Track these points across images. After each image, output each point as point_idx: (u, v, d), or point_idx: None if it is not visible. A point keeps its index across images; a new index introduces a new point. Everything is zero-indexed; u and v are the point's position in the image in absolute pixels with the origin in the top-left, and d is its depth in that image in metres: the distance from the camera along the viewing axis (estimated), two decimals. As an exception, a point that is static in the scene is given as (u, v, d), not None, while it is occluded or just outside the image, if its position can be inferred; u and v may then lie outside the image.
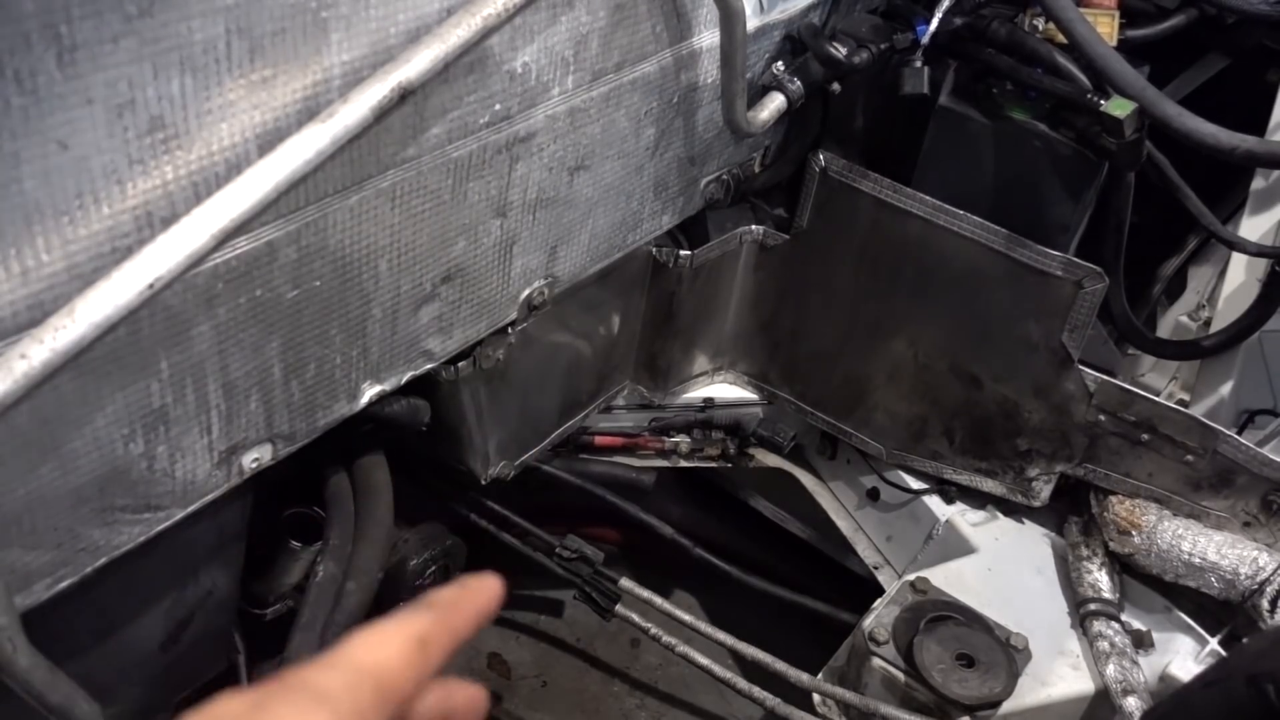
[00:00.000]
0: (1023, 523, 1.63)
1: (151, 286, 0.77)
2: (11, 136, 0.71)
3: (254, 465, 1.06)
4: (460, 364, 1.28)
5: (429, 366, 1.22)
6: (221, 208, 0.80)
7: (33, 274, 0.76)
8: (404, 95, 0.88)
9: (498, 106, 1.07)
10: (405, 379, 1.20)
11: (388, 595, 1.42)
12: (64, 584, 0.92)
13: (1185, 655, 1.42)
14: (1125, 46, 1.43)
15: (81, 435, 0.86)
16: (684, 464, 1.79)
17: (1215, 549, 1.40)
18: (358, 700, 0.41)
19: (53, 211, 0.75)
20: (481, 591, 0.49)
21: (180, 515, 1.00)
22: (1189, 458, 1.43)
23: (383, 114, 0.87)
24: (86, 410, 0.86)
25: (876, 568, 1.71)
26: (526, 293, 1.29)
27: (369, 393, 1.15)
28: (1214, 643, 1.43)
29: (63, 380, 0.79)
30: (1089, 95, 1.31)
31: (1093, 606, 1.45)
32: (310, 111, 0.87)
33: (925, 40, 1.39)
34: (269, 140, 0.85)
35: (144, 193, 0.80)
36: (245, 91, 0.83)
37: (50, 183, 0.74)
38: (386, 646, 0.44)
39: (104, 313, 0.75)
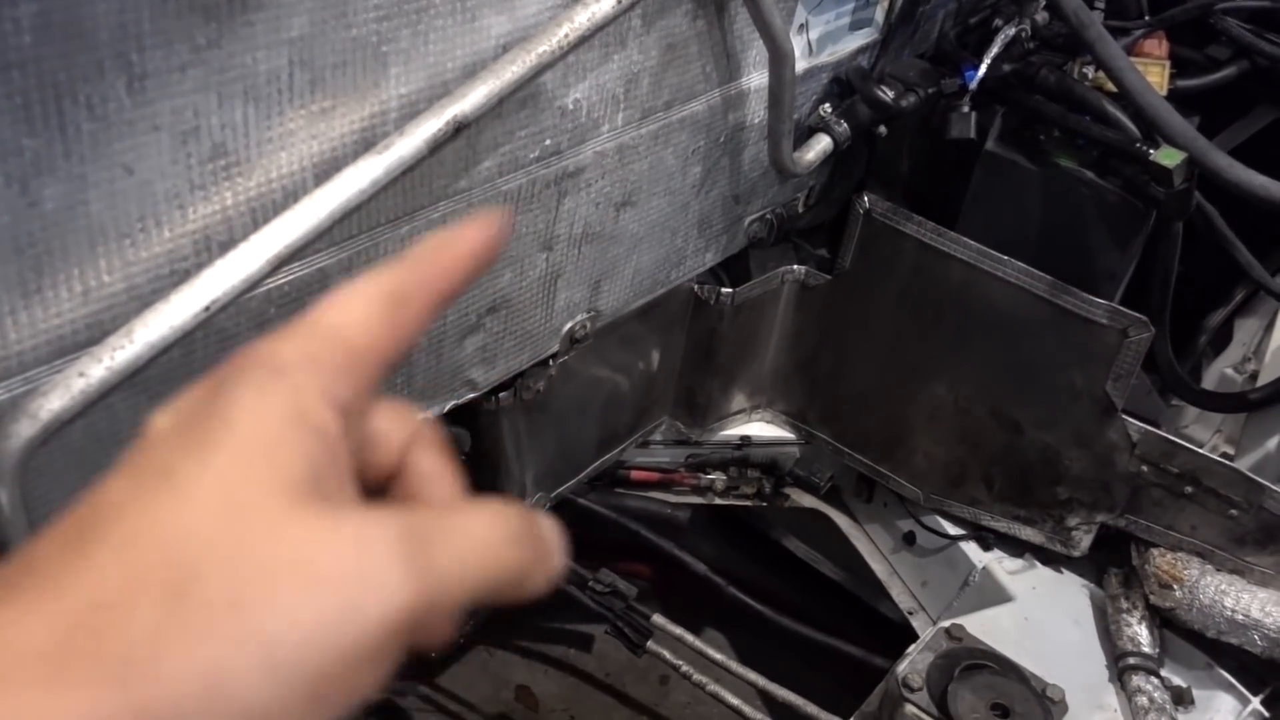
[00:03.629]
0: (1061, 572, 1.60)
1: (207, 309, 0.78)
2: (80, 160, 0.73)
3: (296, 488, 1.06)
4: (501, 394, 1.29)
5: (471, 396, 1.23)
6: (277, 234, 0.82)
7: (94, 294, 0.78)
8: (458, 129, 0.89)
9: (548, 142, 1.08)
10: (448, 408, 1.21)
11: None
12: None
13: (1227, 714, 1.39)
14: (1175, 96, 1.42)
15: (131, 453, 0.88)
16: (719, 501, 1.79)
17: (1259, 606, 1.38)
18: (324, 366, 0.36)
19: (116, 234, 0.77)
20: (471, 235, 0.40)
21: (223, 535, 1.01)
22: (1233, 512, 1.41)
23: (437, 146, 0.89)
24: (136, 428, 0.87)
25: (911, 613, 1.69)
26: (569, 326, 1.30)
27: (411, 420, 1.16)
28: (1256, 702, 1.40)
29: (116, 399, 0.81)
30: (1138, 144, 1.31)
31: (1132, 660, 1.42)
32: (367, 142, 0.88)
33: (973, 86, 1.39)
34: (326, 169, 0.87)
35: (204, 217, 0.82)
36: (305, 121, 0.85)
37: (115, 206, 0.76)
38: (353, 304, 0.38)
39: (160, 334, 0.76)
